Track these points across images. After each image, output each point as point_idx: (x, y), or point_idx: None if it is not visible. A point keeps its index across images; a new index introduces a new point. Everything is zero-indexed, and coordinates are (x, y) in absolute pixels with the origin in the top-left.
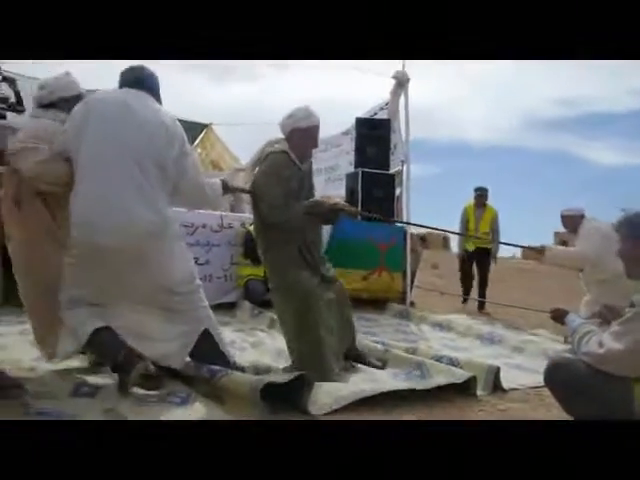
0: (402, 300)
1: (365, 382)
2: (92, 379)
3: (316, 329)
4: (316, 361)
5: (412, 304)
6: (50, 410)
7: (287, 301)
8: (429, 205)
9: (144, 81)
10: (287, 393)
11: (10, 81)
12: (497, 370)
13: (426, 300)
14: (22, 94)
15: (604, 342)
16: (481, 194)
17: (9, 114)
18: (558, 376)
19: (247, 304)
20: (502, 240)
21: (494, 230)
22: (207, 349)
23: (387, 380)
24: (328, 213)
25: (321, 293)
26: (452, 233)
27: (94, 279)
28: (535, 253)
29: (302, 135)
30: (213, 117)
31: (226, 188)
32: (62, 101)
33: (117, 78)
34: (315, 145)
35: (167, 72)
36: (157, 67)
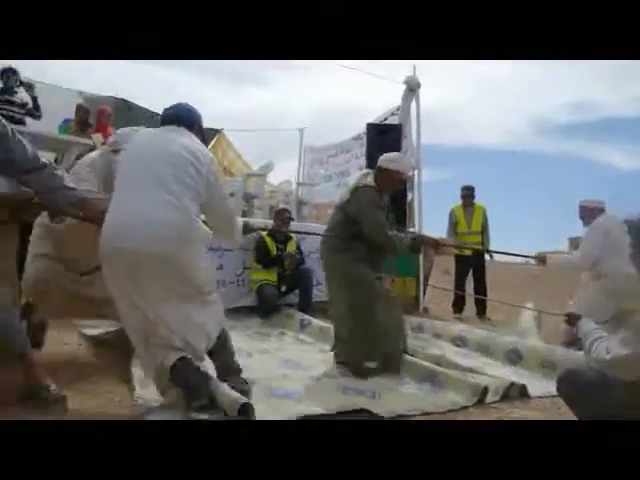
0: (415, 306)
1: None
2: None
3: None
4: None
5: (425, 310)
6: None
7: (349, 288)
8: (440, 210)
9: (179, 118)
10: None
11: (28, 86)
12: (511, 385)
13: (439, 305)
14: (39, 100)
15: (610, 348)
16: (468, 193)
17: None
18: (569, 383)
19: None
20: (503, 243)
21: (485, 228)
22: (222, 350)
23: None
24: (419, 247)
25: (383, 294)
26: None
27: (119, 281)
28: (538, 262)
29: (385, 175)
30: (224, 122)
31: (247, 228)
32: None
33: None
34: (394, 188)
35: (177, 78)
36: (167, 73)
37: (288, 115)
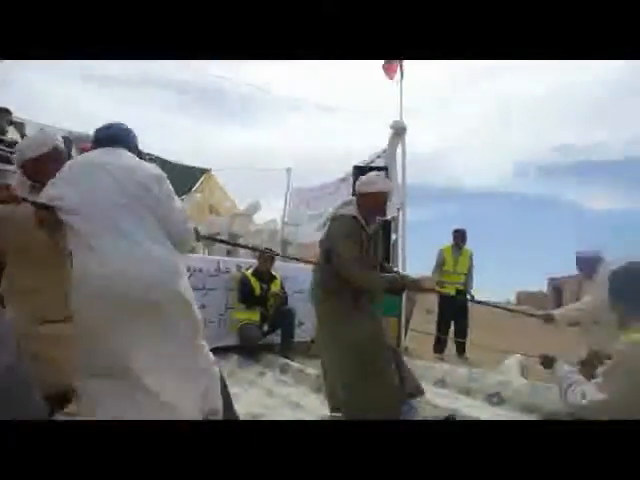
0: (396, 345)
1: None
2: None
3: (385, 375)
4: (387, 407)
5: (406, 349)
6: None
7: (350, 349)
8: (424, 249)
9: (118, 138)
10: None
11: (18, 125)
12: None
13: (420, 346)
14: None
15: (586, 393)
16: (459, 235)
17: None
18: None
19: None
20: (484, 283)
21: (470, 271)
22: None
23: None
24: (402, 290)
25: (384, 339)
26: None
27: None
28: (546, 321)
29: (366, 200)
30: (211, 162)
31: (197, 234)
32: (30, 161)
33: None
34: (380, 212)
35: (164, 115)
36: (158, 113)
37: (274, 156)
